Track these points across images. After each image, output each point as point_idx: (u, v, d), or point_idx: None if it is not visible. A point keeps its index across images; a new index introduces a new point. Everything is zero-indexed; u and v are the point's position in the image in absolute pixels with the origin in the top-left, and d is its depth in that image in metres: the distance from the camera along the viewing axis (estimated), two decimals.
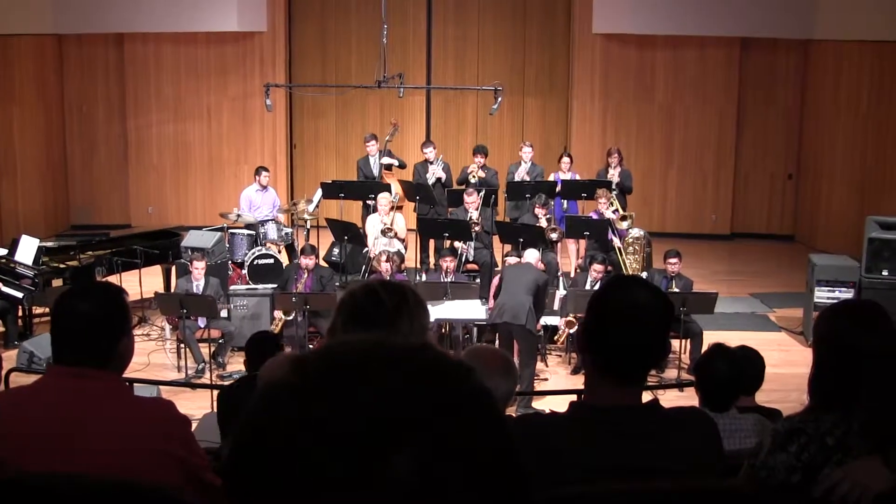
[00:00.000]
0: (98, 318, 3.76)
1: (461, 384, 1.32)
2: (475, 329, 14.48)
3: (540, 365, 14.29)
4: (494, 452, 1.29)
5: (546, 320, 14.52)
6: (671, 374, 13.78)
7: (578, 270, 16.22)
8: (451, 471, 1.23)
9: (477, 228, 15.98)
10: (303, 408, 1.26)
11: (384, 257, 14.51)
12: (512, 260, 14.48)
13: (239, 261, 16.42)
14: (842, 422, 3.52)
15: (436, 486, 1.22)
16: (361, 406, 1.24)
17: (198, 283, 14.35)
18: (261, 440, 1.28)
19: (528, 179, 17.71)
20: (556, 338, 14.49)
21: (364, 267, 15.95)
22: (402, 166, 18.37)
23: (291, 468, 1.23)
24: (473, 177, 17.58)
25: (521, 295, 13.13)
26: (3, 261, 14.97)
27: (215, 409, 9.33)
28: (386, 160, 18.07)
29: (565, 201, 17.86)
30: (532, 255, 14.31)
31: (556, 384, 13.48)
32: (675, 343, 13.88)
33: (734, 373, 6.26)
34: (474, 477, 1.25)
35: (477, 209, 16.32)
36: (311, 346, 13.73)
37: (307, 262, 14.67)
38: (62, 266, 15.31)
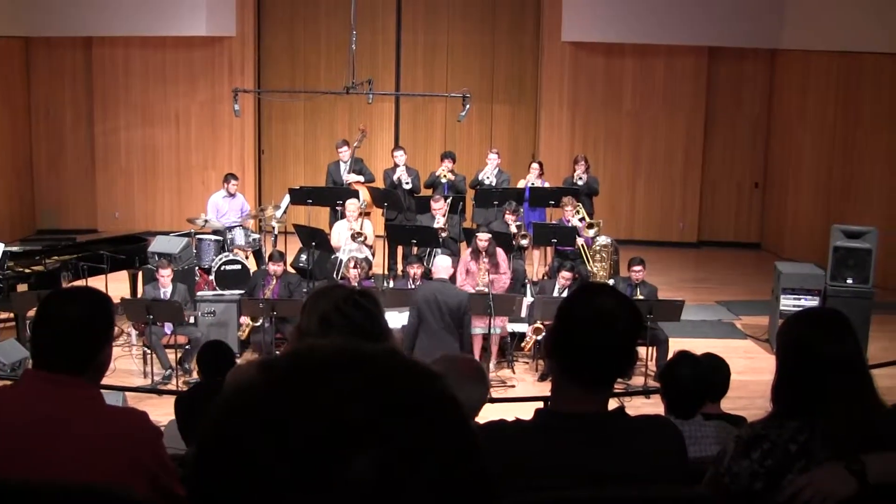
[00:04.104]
0: (85, 324, 3.75)
1: (426, 388, 1.34)
2: None
3: (507, 372, 14.33)
4: (458, 455, 1.30)
5: (513, 327, 14.55)
6: (637, 381, 13.80)
7: (545, 277, 16.23)
8: (413, 473, 1.24)
9: (444, 234, 15.97)
10: (266, 409, 1.28)
11: (352, 263, 14.49)
12: (436, 271, 13.58)
13: (206, 266, 16.36)
14: (805, 428, 3.55)
15: (398, 488, 1.23)
16: (324, 407, 1.26)
17: (165, 289, 14.30)
18: (224, 442, 1.29)
19: (494, 184, 17.76)
20: (523, 345, 14.50)
21: (335, 273, 15.89)
22: (369, 180, 18.30)
23: (254, 470, 1.24)
24: (444, 177, 17.59)
25: (446, 338, 12.55)
26: None
27: None
28: (352, 177, 18.01)
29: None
30: (444, 264, 13.51)
31: (523, 391, 13.48)
32: (641, 350, 13.93)
33: (699, 379, 6.28)
34: (437, 479, 1.26)
35: (444, 215, 16.32)
36: (277, 353, 13.70)
37: (275, 268, 14.64)
38: (27, 271, 15.18)
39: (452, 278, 14.08)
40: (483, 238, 14.49)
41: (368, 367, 1.33)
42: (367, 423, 1.25)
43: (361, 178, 18.13)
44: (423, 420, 1.29)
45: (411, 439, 1.26)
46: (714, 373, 7.00)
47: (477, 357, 13.46)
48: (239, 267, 16.18)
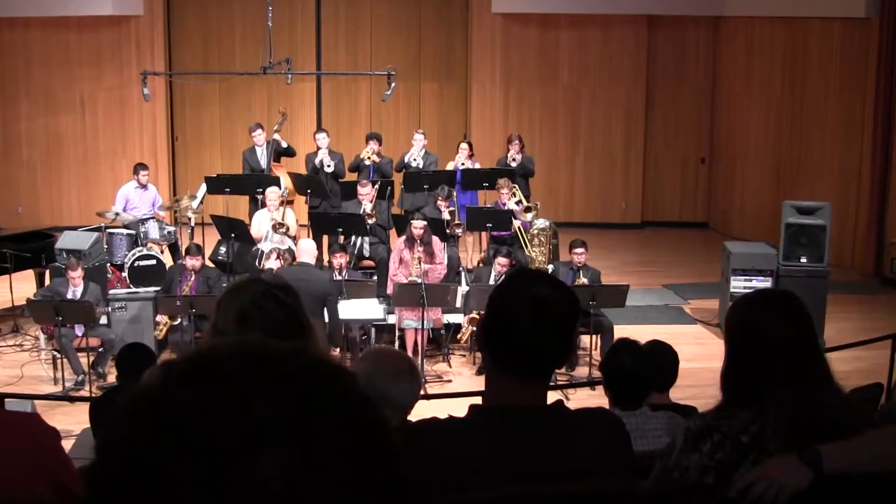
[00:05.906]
0: None
1: (335, 386, 1.34)
2: (373, 329, 14.47)
3: (443, 365, 14.33)
4: (369, 455, 1.30)
5: (449, 318, 14.54)
6: (582, 371, 13.84)
7: (481, 264, 16.21)
8: (321, 473, 1.24)
9: (371, 221, 15.89)
10: (165, 410, 1.27)
11: (275, 255, 14.41)
12: (300, 254, 13.69)
13: (118, 263, 16.17)
14: (757, 418, 3.56)
15: (305, 489, 1.23)
16: (227, 406, 1.25)
17: (76, 289, 14.12)
18: (123, 445, 1.28)
19: (421, 166, 17.70)
20: (459, 336, 14.50)
21: (257, 266, 15.78)
22: (292, 154, 18.22)
23: (154, 472, 1.23)
24: (368, 159, 17.53)
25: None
26: None
27: None
28: (281, 145, 17.93)
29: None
30: (308, 247, 13.66)
31: (460, 385, 13.46)
32: (585, 339, 13.97)
33: (641, 368, 6.28)
34: (347, 480, 1.26)
35: (371, 201, 16.23)
36: None
37: (193, 262, 14.50)
38: None
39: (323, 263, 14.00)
40: (418, 225, 14.44)
41: (274, 364, 1.33)
42: (271, 422, 1.25)
43: (285, 145, 18.02)
44: (331, 419, 1.29)
45: (319, 438, 1.26)
46: (660, 360, 7.01)
47: (409, 352, 13.45)
48: (153, 262, 15.99)
